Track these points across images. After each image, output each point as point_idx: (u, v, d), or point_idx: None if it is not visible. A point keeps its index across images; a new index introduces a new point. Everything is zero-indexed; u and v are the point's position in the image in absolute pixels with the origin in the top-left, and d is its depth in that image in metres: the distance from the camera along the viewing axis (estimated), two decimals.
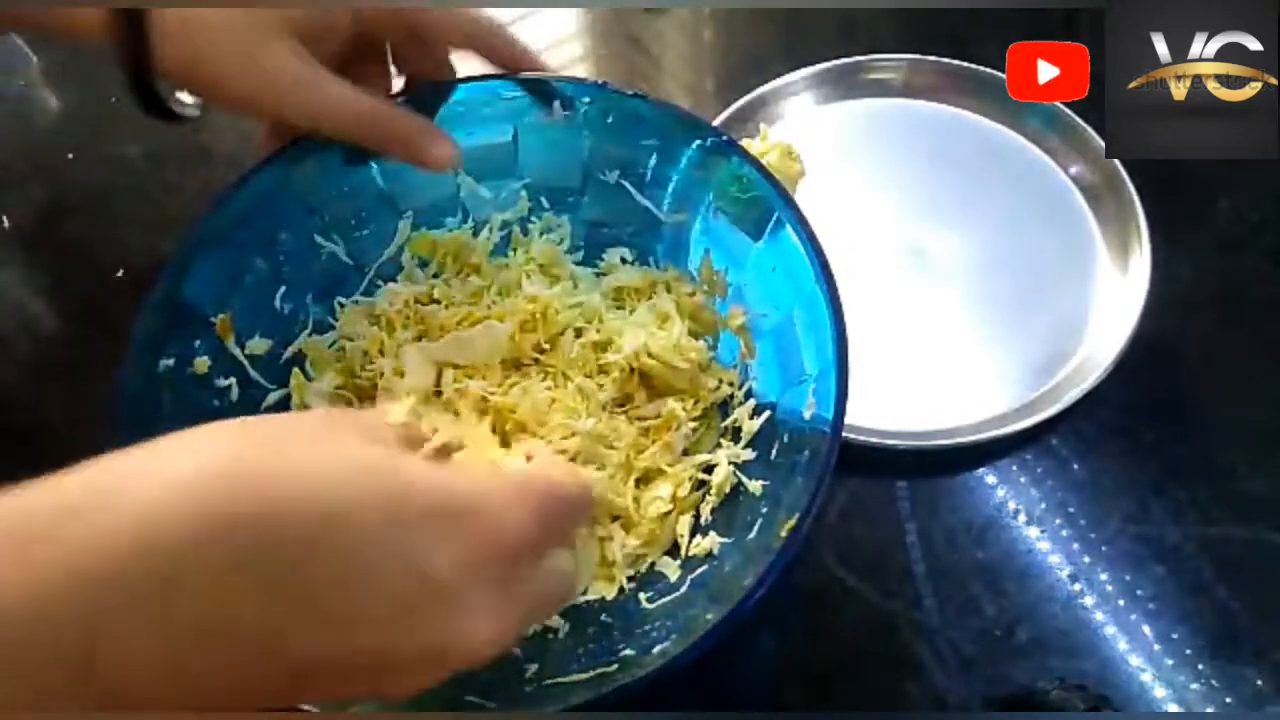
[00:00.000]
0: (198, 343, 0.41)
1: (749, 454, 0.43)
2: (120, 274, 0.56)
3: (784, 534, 0.35)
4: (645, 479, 0.44)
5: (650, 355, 0.44)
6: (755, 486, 0.41)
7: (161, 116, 0.40)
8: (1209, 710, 0.42)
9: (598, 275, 0.49)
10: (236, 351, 0.42)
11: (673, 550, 0.43)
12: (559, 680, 0.36)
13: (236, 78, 0.38)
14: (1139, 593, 0.44)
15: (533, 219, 0.49)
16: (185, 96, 0.42)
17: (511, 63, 0.44)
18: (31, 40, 0.66)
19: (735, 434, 0.44)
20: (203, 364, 0.40)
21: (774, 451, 0.41)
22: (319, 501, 0.23)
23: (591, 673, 0.36)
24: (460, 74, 0.45)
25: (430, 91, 0.44)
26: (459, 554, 0.25)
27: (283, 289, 0.44)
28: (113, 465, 0.23)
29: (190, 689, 0.22)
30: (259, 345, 0.43)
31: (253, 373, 0.43)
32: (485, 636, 0.25)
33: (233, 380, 0.42)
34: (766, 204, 0.41)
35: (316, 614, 0.23)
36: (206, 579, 0.22)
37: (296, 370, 0.45)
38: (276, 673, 0.23)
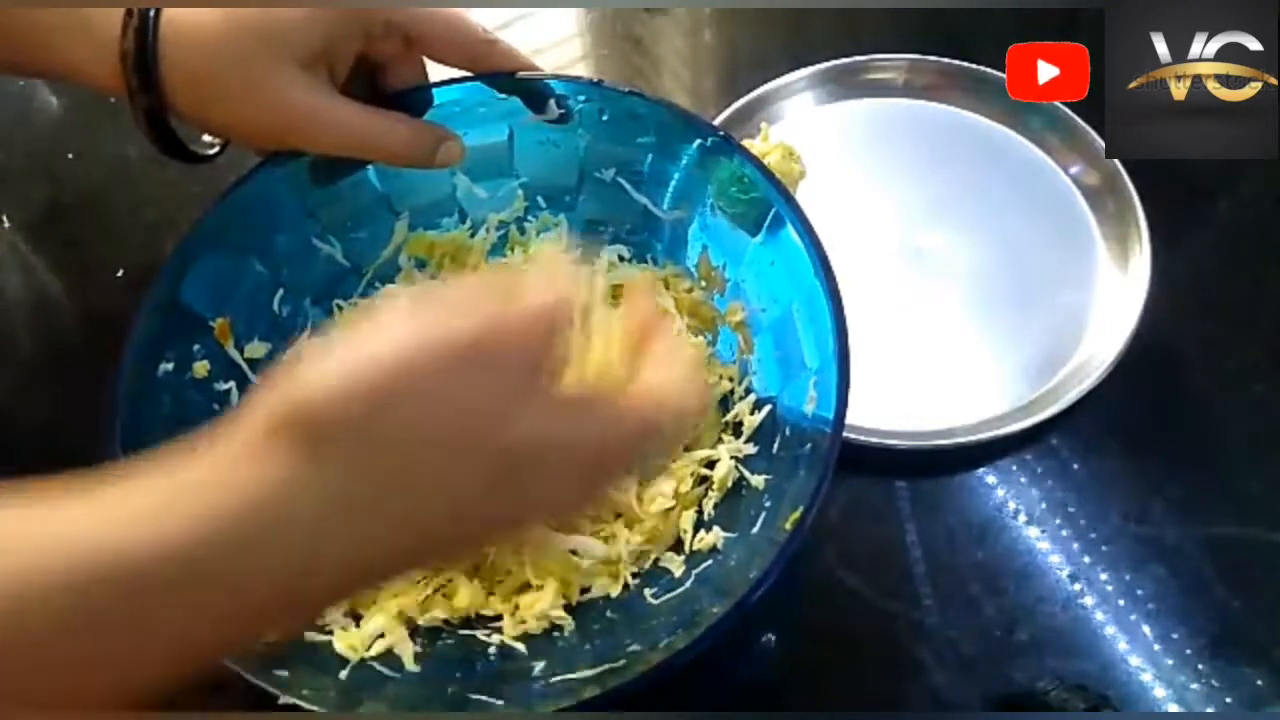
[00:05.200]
0: (197, 346, 0.41)
1: (751, 449, 0.43)
2: (120, 274, 0.56)
3: (788, 527, 0.35)
4: None
5: None
6: (758, 481, 0.41)
7: (182, 158, 0.41)
8: (1209, 710, 0.42)
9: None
10: (236, 355, 0.42)
11: (676, 546, 0.43)
12: (566, 677, 0.36)
13: (248, 116, 0.39)
14: (1139, 593, 0.44)
15: (529, 218, 0.49)
16: (206, 137, 0.43)
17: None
18: None
19: (736, 429, 0.44)
20: (202, 367, 0.40)
21: (776, 446, 0.41)
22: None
23: (598, 669, 0.36)
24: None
25: (423, 93, 0.44)
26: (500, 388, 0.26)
27: (281, 291, 0.44)
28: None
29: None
30: (258, 348, 0.43)
31: (252, 376, 0.43)
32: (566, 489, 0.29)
33: (232, 384, 0.42)
34: (766, 202, 0.41)
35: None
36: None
37: None
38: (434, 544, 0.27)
